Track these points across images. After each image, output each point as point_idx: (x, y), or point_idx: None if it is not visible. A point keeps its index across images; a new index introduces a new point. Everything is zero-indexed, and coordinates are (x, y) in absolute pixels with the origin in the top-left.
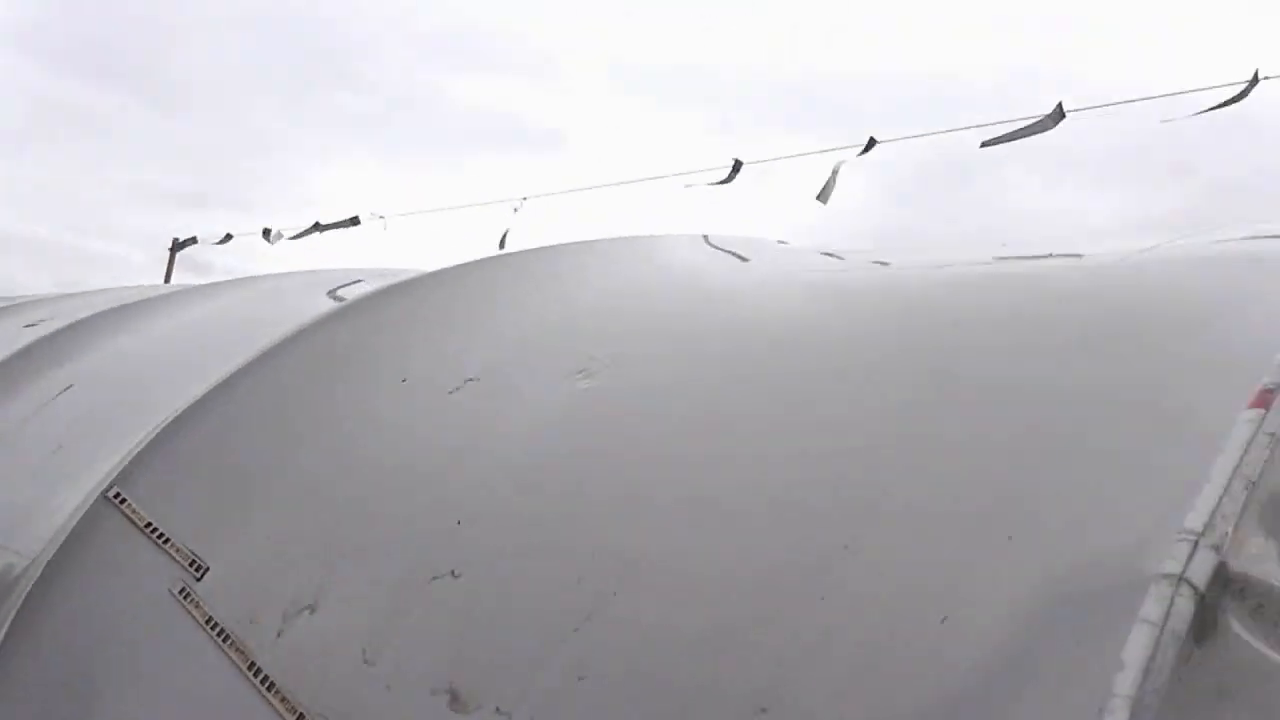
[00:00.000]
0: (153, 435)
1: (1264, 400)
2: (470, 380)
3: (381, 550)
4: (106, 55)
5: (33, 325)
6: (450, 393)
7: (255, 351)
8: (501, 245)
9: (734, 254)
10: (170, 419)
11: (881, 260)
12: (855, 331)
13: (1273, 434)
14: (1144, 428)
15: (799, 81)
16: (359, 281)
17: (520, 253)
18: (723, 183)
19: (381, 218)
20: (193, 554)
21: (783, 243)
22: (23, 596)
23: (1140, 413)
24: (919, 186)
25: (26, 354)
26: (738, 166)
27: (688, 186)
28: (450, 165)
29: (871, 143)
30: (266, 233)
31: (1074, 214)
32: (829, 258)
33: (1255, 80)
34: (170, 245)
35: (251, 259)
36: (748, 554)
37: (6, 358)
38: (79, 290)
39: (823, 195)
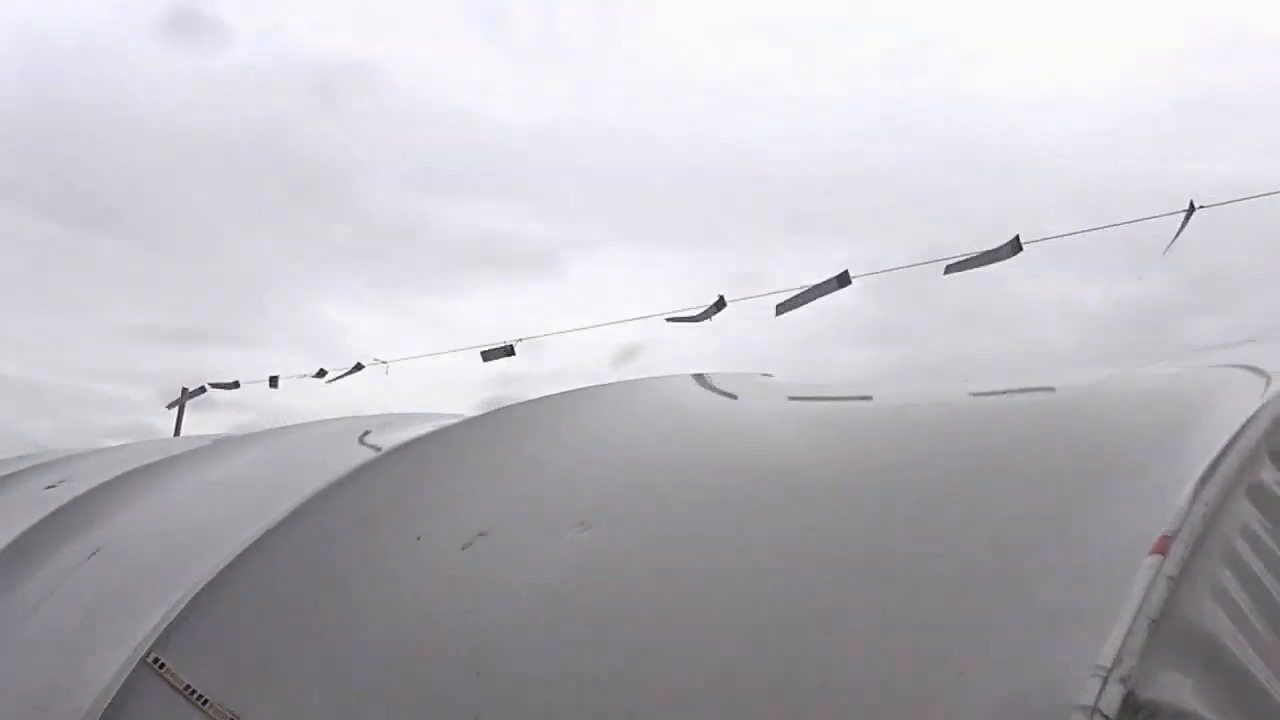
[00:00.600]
0: (186, 600)
1: (1163, 546)
2: (481, 535)
3: (411, 703)
4: (96, 199)
5: (53, 486)
6: (463, 548)
7: (279, 516)
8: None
9: (724, 393)
10: (201, 586)
11: (864, 395)
12: (833, 471)
13: (1171, 577)
14: (1071, 569)
15: (790, 184)
16: (368, 432)
17: (525, 404)
18: (703, 317)
19: (384, 363)
20: (231, 713)
21: (767, 375)
22: None
23: (1069, 554)
24: (908, 288)
25: (53, 519)
26: (721, 303)
27: (670, 320)
28: (446, 291)
29: (846, 278)
30: (274, 380)
31: (1065, 307)
32: (808, 394)
33: (1192, 209)
34: (180, 394)
35: (255, 397)
36: (737, 696)
37: (33, 524)
38: (93, 446)
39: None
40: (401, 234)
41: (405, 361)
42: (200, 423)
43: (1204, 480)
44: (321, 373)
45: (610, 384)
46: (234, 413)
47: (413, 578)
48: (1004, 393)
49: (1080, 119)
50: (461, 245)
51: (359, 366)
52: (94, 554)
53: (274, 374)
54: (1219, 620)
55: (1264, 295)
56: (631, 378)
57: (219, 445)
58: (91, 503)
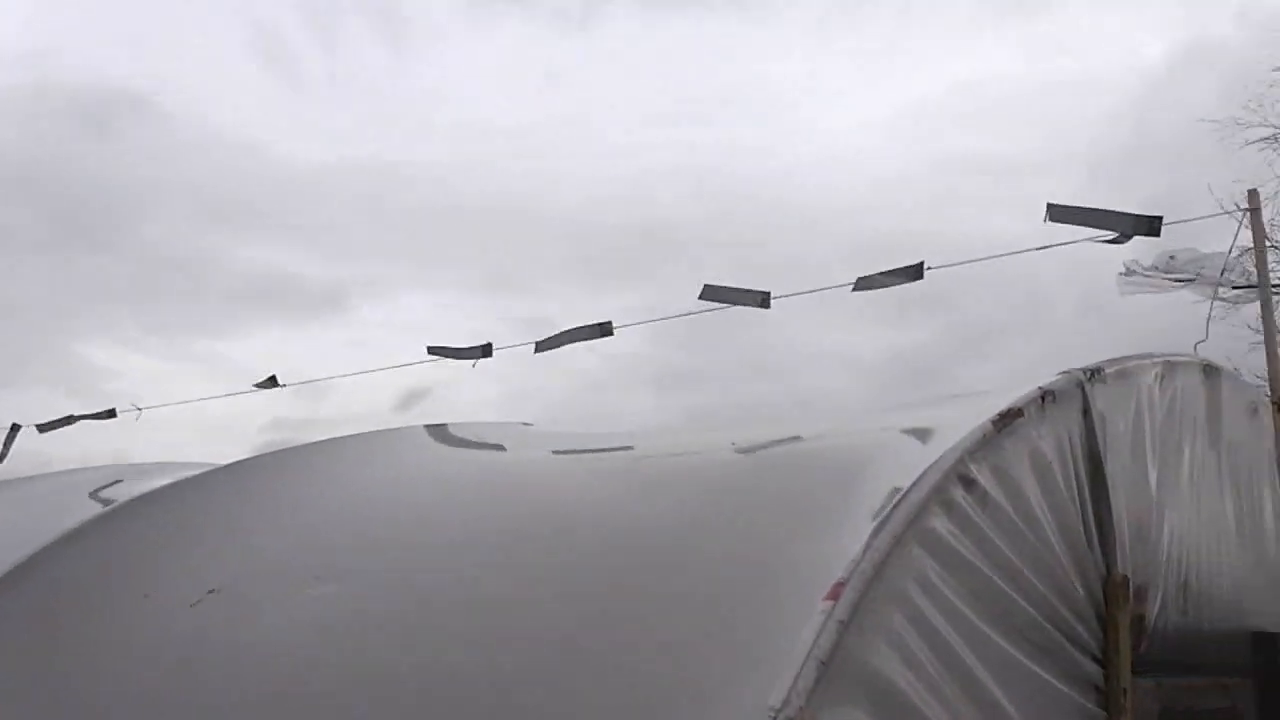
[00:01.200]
0: None
1: (835, 593)
2: (211, 592)
3: None
4: None
5: None
6: (192, 605)
7: (2, 571)
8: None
9: (478, 443)
10: None
11: (625, 445)
12: (577, 520)
13: (842, 621)
14: (763, 615)
15: (581, 230)
16: (116, 483)
17: (270, 455)
18: (468, 356)
19: (138, 409)
20: None
21: (527, 424)
22: None
23: (764, 601)
24: (690, 335)
25: None
26: (488, 349)
27: (433, 351)
28: (226, 332)
29: (608, 328)
30: (14, 428)
31: (839, 355)
32: (569, 444)
33: (921, 269)
34: None
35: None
36: None
37: None
38: None
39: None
40: (177, 271)
41: (172, 407)
42: None
43: (877, 529)
44: (70, 418)
45: (355, 435)
46: None
47: (140, 637)
48: (754, 448)
49: (851, 174)
50: (243, 284)
51: (111, 413)
52: None
53: (16, 421)
54: (890, 660)
55: (1013, 342)
56: (411, 422)
57: None
58: None
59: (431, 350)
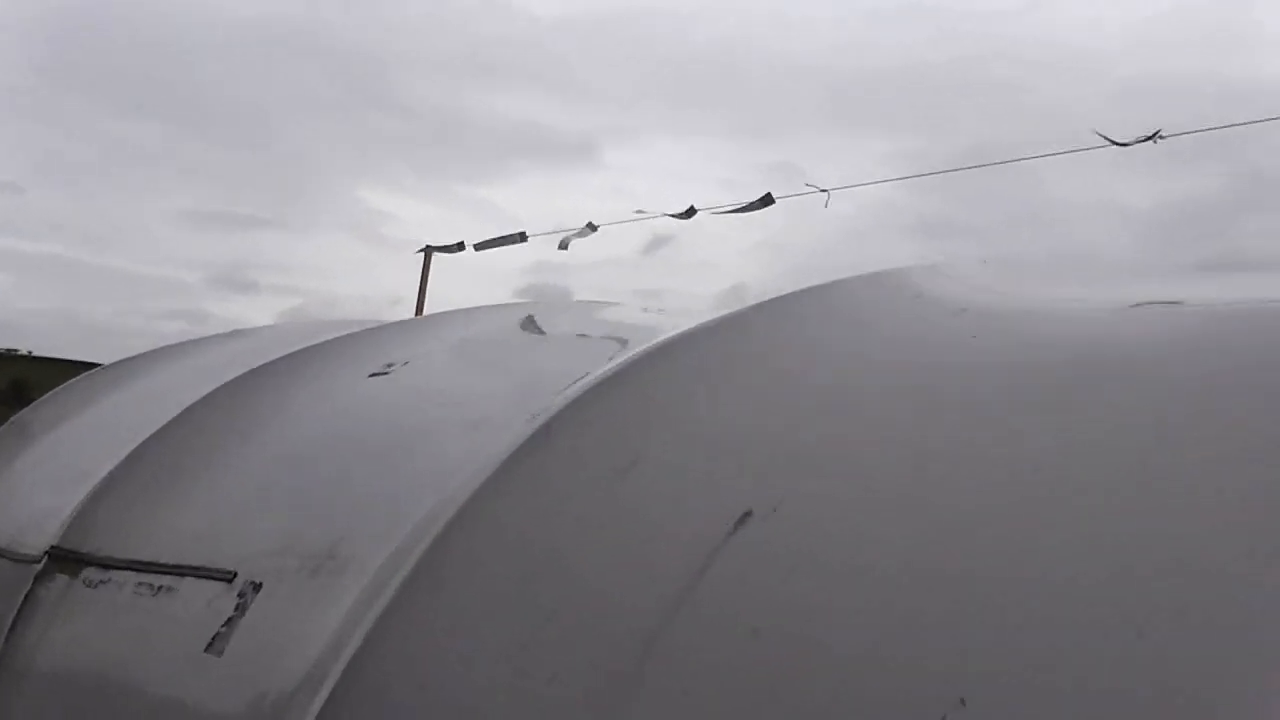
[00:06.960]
0: None
1: None
2: None
3: None
4: (144, 86)
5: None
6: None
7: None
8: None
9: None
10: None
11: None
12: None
13: None
14: None
15: (830, 76)
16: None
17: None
18: (749, 209)
19: (594, 227)
20: None
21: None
22: None
23: None
24: (952, 184)
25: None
26: (768, 199)
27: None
28: (488, 179)
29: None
30: (485, 244)
31: (1110, 208)
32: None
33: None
34: (424, 251)
35: (306, 282)
36: None
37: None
38: (153, 329)
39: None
40: (441, 123)
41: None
42: (249, 306)
43: None
44: (594, 225)
45: (850, 278)
46: (284, 297)
47: None
48: None
49: (1120, 12)
50: (501, 135)
51: (523, 237)
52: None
53: (429, 244)
54: None
55: None
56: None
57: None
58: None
59: (714, 212)
